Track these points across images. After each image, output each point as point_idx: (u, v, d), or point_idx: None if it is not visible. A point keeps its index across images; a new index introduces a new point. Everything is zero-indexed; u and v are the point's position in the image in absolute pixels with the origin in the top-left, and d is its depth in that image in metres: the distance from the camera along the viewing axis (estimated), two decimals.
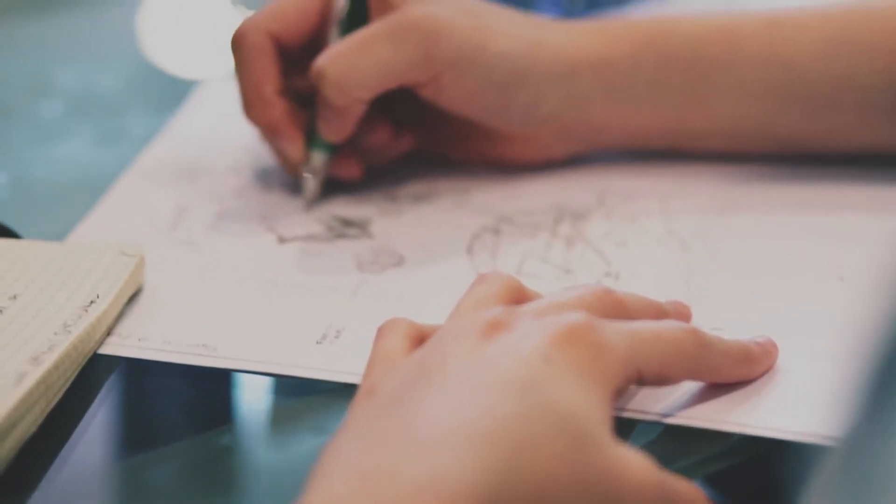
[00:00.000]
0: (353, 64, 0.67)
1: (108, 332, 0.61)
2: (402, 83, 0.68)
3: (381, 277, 0.65)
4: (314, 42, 0.70)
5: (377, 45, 0.67)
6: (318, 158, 0.70)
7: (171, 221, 0.69)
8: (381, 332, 0.54)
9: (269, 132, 0.70)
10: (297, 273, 0.65)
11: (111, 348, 0.60)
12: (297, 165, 0.70)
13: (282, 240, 0.68)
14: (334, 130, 0.69)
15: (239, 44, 0.70)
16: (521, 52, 0.69)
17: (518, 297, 0.55)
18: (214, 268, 0.66)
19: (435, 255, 0.67)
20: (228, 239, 0.68)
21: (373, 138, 0.72)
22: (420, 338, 0.54)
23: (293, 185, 0.72)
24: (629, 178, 0.72)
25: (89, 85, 0.89)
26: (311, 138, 0.70)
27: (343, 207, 0.71)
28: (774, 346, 0.56)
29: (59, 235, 0.68)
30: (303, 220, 0.70)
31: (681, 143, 0.73)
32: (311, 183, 0.70)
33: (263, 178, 0.73)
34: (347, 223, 0.70)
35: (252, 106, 0.70)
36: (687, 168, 0.73)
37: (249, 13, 0.71)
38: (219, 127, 0.79)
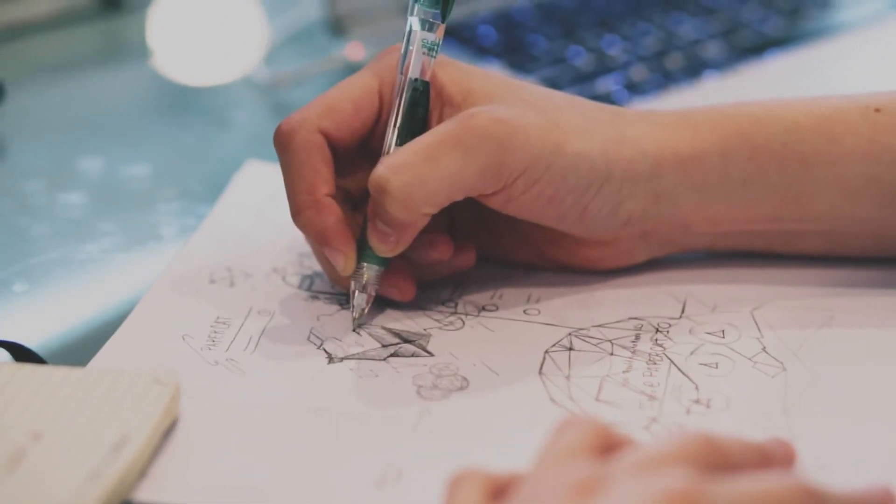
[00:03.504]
0: (420, 177, 0.60)
1: (142, 473, 0.55)
2: (472, 195, 0.62)
3: (443, 405, 0.59)
4: (366, 139, 0.64)
5: (446, 157, 0.60)
6: (370, 273, 0.63)
7: (209, 338, 0.63)
8: (453, 487, 0.49)
9: (320, 241, 0.63)
10: (350, 401, 0.59)
11: (145, 494, 0.54)
12: (347, 279, 0.64)
13: (331, 359, 0.62)
14: (390, 247, 0.62)
15: (287, 141, 0.63)
16: (599, 150, 0.62)
17: (607, 445, 0.49)
18: (258, 394, 0.59)
19: (503, 378, 0.60)
20: (272, 359, 0.62)
21: (431, 254, 0.65)
22: (497, 491, 0.48)
23: (341, 292, 0.66)
24: (714, 283, 0.66)
25: None
26: (361, 250, 0.63)
27: (397, 320, 0.64)
28: (890, 495, 0.50)
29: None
30: (353, 335, 0.63)
31: (774, 245, 0.66)
32: (360, 300, 0.63)
33: (309, 284, 0.67)
34: (403, 338, 0.63)
35: (302, 211, 0.63)
36: (779, 271, 0.66)
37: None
38: (259, 222, 0.72)
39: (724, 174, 0.64)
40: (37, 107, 0.93)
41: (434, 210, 0.61)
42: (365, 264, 0.63)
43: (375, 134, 0.64)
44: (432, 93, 0.63)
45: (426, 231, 0.63)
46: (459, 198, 0.61)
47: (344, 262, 0.63)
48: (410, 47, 0.63)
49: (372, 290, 0.63)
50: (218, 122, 0.94)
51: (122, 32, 1.07)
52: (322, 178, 0.63)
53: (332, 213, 0.62)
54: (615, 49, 0.96)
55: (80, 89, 0.97)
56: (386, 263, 0.63)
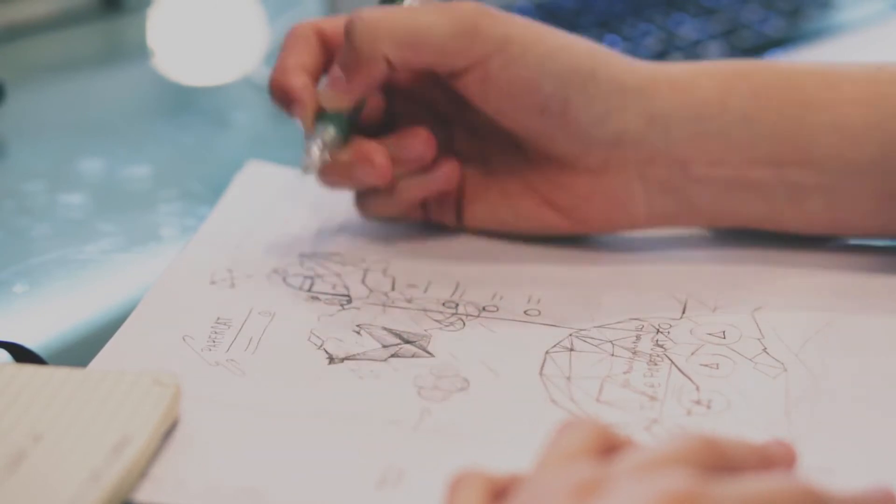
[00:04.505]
0: (391, 14, 0.62)
1: (142, 474, 0.54)
2: (440, 58, 0.63)
3: (444, 405, 0.59)
4: None
5: (423, 11, 0.63)
6: (329, 133, 0.65)
7: (209, 338, 0.63)
8: (453, 488, 0.48)
9: (281, 99, 0.65)
10: (351, 402, 0.59)
11: (145, 494, 0.54)
12: (309, 131, 0.65)
13: (332, 360, 0.62)
14: (343, 87, 0.64)
15: (286, 36, 0.67)
16: (585, 51, 0.63)
17: (607, 446, 0.49)
18: (258, 395, 0.59)
19: (503, 379, 0.60)
20: (273, 360, 0.62)
21: (409, 143, 0.66)
22: (497, 492, 0.48)
23: (342, 293, 0.66)
24: (715, 284, 0.66)
25: None
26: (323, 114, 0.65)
27: (397, 320, 0.64)
28: (892, 496, 0.50)
29: None
30: (354, 337, 0.63)
31: (777, 206, 0.65)
32: (315, 150, 0.64)
33: (309, 285, 0.67)
34: (403, 339, 0.63)
35: (274, 76, 0.66)
36: (779, 271, 0.66)
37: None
38: (260, 223, 0.72)
39: (723, 107, 0.64)
40: (37, 107, 0.93)
41: (395, 53, 0.62)
42: (326, 125, 0.65)
43: None
44: None
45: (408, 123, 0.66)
46: (426, 56, 0.63)
47: (300, 112, 0.65)
48: None
49: (326, 152, 0.65)
50: (218, 123, 0.93)
51: (122, 32, 1.07)
52: (299, 55, 0.66)
53: (297, 79, 0.65)
54: (616, 49, 0.95)
55: (80, 89, 0.97)
56: (344, 130, 0.65)
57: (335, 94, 0.64)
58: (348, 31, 0.63)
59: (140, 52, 1.03)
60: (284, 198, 0.74)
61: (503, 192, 0.68)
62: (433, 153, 0.66)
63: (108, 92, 0.97)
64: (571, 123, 0.63)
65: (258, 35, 1.03)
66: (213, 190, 0.76)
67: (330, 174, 0.66)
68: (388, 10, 0.63)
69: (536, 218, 0.68)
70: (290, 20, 1.02)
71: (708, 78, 0.64)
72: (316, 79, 0.66)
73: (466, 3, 0.63)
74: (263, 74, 0.95)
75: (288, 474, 0.55)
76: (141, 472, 0.54)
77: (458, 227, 0.70)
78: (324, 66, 0.67)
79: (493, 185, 0.68)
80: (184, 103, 0.99)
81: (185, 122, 0.93)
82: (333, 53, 0.66)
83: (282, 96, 0.66)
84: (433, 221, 0.70)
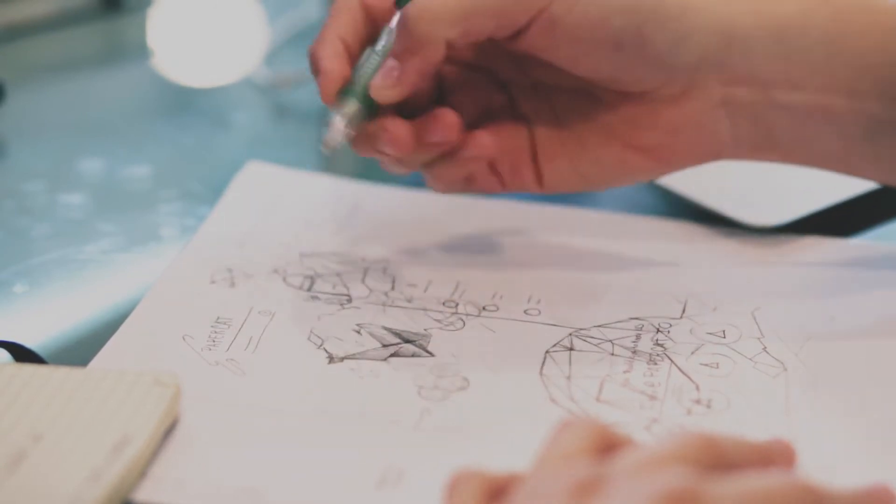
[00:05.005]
0: None
1: (142, 474, 0.54)
2: (500, 20, 0.60)
3: (444, 405, 0.59)
4: None
5: None
6: (353, 106, 0.61)
7: (209, 338, 0.63)
8: (452, 488, 0.48)
9: (312, 68, 0.63)
10: (351, 401, 0.59)
11: (145, 493, 0.54)
12: (328, 102, 0.62)
13: (332, 359, 0.62)
14: (392, 81, 0.61)
15: (332, 5, 0.64)
16: None
17: (606, 445, 0.49)
18: (258, 395, 0.59)
19: (503, 378, 0.60)
20: (273, 359, 0.62)
21: (431, 127, 0.62)
22: (496, 491, 0.48)
23: (341, 292, 0.66)
24: (715, 283, 0.66)
25: None
26: (350, 86, 0.62)
27: (397, 319, 0.64)
28: (891, 495, 0.50)
29: None
30: (353, 335, 0.63)
31: (853, 145, 0.62)
32: (338, 124, 0.61)
33: (309, 284, 0.67)
34: (403, 338, 0.63)
35: (312, 45, 0.63)
36: (779, 271, 0.66)
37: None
38: (259, 223, 0.72)
39: (803, 30, 0.61)
40: (37, 107, 0.93)
41: (453, 31, 0.60)
42: (351, 98, 0.62)
43: None
44: None
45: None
46: (486, 24, 0.60)
47: (326, 82, 0.62)
48: None
49: (351, 128, 0.62)
50: (218, 123, 0.93)
51: (122, 32, 1.07)
52: (340, 23, 0.63)
53: (329, 45, 0.62)
54: None
55: (80, 89, 0.97)
56: (369, 105, 0.62)
57: (389, 85, 0.61)
58: (404, 19, 0.60)
59: (140, 52, 1.03)
60: (284, 197, 0.74)
61: (581, 145, 0.64)
62: (454, 136, 0.63)
63: (108, 92, 0.97)
64: (649, 52, 0.60)
65: (258, 35, 1.03)
66: (213, 190, 0.76)
67: (355, 143, 0.64)
68: None
69: (621, 164, 0.64)
70: (290, 20, 1.02)
71: (790, 1, 0.62)
72: (354, 51, 0.63)
73: None
74: (263, 75, 0.95)
75: (288, 474, 0.54)
76: (141, 472, 0.54)
77: (539, 192, 0.66)
78: (367, 39, 0.64)
79: (569, 140, 0.65)
80: (184, 103, 0.99)
81: (185, 123, 0.93)
82: (378, 25, 0.63)
83: (313, 65, 0.63)
84: (512, 190, 0.66)
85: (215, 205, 0.74)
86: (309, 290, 0.67)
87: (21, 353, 0.62)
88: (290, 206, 0.74)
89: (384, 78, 0.61)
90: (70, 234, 0.77)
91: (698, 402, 0.58)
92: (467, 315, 0.65)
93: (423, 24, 0.59)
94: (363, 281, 0.67)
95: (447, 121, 0.63)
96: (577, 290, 0.66)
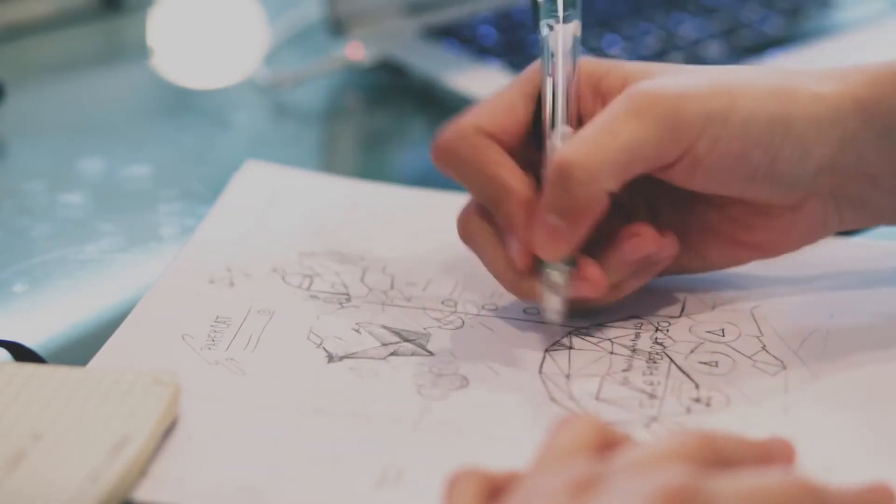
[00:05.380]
0: (600, 146, 0.58)
1: (142, 473, 0.54)
2: (653, 165, 0.60)
3: (443, 404, 0.59)
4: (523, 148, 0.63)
5: (621, 127, 0.58)
6: (555, 272, 0.60)
7: (208, 337, 0.63)
8: (451, 486, 0.49)
9: (510, 225, 0.61)
10: (350, 400, 0.59)
11: (145, 493, 0.54)
12: (520, 277, 0.61)
13: (331, 358, 0.62)
14: (560, 243, 0.59)
15: (453, 148, 0.61)
16: (772, 99, 0.60)
17: (605, 443, 0.49)
18: (257, 394, 0.59)
19: (503, 377, 0.60)
20: (272, 359, 0.62)
21: (636, 246, 0.62)
22: (494, 490, 0.48)
23: (340, 291, 0.66)
24: (714, 281, 0.66)
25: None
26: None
27: (396, 318, 0.64)
28: (890, 493, 0.50)
29: None
30: (353, 335, 0.63)
31: None
32: (553, 302, 0.60)
33: (308, 283, 0.67)
34: (402, 337, 0.63)
35: (496, 203, 0.61)
36: (778, 269, 0.66)
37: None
38: (258, 222, 0.72)
39: None
40: (37, 107, 0.93)
41: (616, 183, 0.59)
42: (548, 267, 0.60)
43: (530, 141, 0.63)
44: (587, 90, 0.62)
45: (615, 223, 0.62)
46: (641, 169, 0.59)
47: (521, 254, 0.61)
48: (551, 53, 0.62)
49: (564, 291, 0.60)
50: (218, 123, 0.94)
51: (122, 32, 1.07)
52: (507, 165, 0.61)
53: (525, 191, 0.61)
54: (616, 49, 0.96)
55: (80, 89, 0.97)
56: (574, 262, 0.60)
57: (559, 246, 0.60)
58: (563, 179, 0.58)
59: (140, 52, 1.03)
60: (283, 196, 0.74)
61: (684, 243, 0.64)
62: (659, 246, 0.62)
63: (108, 92, 0.97)
64: (777, 175, 0.61)
65: (258, 35, 1.03)
66: (213, 190, 0.76)
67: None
68: (590, 140, 0.59)
69: (727, 259, 0.65)
70: (290, 20, 1.02)
71: (888, 87, 0.62)
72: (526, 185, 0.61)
73: (649, 92, 0.59)
74: (263, 74, 0.95)
75: (287, 473, 0.55)
76: (140, 471, 0.54)
77: None
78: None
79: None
80: (184, 103, 0.99)
81: (185, 123, 0.93)
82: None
83: (513, 221, 0.61)
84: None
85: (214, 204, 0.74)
86: (308, 289, 0.67)
87: (21, 353, 0.62)
88: (289, 205, 0.74)
89: (552, 240, 0.60)
90: (70, 234, 0.77)
91: (697, 400, 0.58)
92: (466, 314, 0.65)
93: (588, 185, 0.58)
94: (362, 280, 0.67)
95: (648, 234, 0.62)
96: None
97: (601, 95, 0.62)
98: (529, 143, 0.62)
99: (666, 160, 0.60)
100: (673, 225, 0.63)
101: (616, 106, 0.59)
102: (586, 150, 0.58)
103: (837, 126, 0.61)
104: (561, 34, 0.62)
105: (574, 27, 0.62)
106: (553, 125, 0.61)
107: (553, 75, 0.62)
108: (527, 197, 0.61)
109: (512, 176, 0.61)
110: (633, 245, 0.62)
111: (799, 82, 0.61)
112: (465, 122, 0.62)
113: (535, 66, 0.63)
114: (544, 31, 0.62)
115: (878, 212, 0.64)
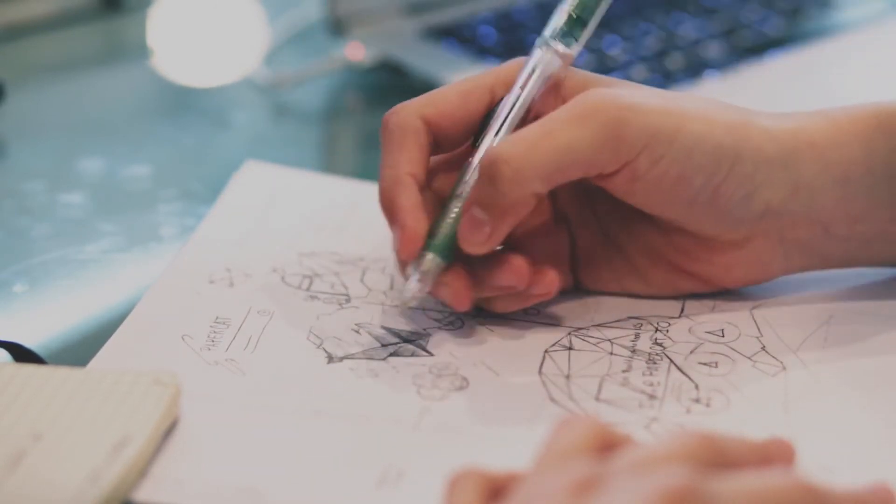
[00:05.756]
0: (534, 146, 0.58)
1: (142, 474, 0.54)
2: (588, 171, 0.59)
3: (443, 404, 0.59)
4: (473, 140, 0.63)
5: (560, 129, 0.58)
6: (431, 264, 0.60)
7: (208, 338, 0.63)
8: (452, 487, 0.49)
9: (388, 215, 0.62)
10: (350, 400, 0.59)
11: (145, 493, 0.54)
12: (405, 260, 0.61)
13: (331, 358, 0.62)
14: (482, 238, 0.59)
15: (386, 123, 0.63)
16: (724, 130, 0.60)
17: (606, 444, 0.49)
18: (258, 395, 0.59)
19: (503, 377, 0.60)
20: (272, 359, 0.62)
21: (498, 274, 0.61)
22: (495, 490, 0.48)
23: (341, 291, 0.66)
24: None
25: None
26: (430, 238, 0.61)
27: (396, 318, 0.64)
28: (890, 493, 0.50)
29: None
30: (352, 335, 0.63)
31: None
32: (414, 284, 0.61)
33: (308, 284, 0.67)
34: (402, 338, 0.63)
35: (382, 188, 0.62)
36: None
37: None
38: (258, 223, 0.72)
39: (869, 170, 0.61)
40: (37, 107, 0.93)
41: (543, 186, 0.59)
42: (429, 253, 0.61)
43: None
44: (548, 90, 0.62)
45: (505, 250, 0.61)
46: (576, 175, 0.59)
47: (402, 240, 0.61)
48: (533, 71, 0.62)
49: (428, 283, 0.61)
50: (218, 123, 0.94)
51: (122, 32, 1.07)
52: (407, 158, 0.62)
53: (407, 193, 0.61)
54: (616, 49, 0.96)
55: (80, 89, 0.97)
56: (449, 258, 0.61)
57: (481, 242, 0.60)
58: (492, 176, 0.59)
59: (140, 52, 1.03)
60: (283, 197, 0.74)
61: (629, 263, 0.65)
62: (525, 283, 0.61)
63: (108, 92, 0.97)
64: (720, 207, 0.61)
65: (258, 35, 1.03)
66: (213, 190, 0.76)
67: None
68: (527, 139, 0.59)
69: (668, 285, 0.65)
70: (290, 20, 1.02)
71: (849, 136, 0.62)
72: (422, 182, 0.62)
73: (598, 100, 0.59)
74: (263, 74, 0.95)
75: (287, 473, 0.55)
76: (141, 472, 0.54)
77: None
78: (429, 158, 0.63)
79: (616, 255, 0.65)
80: (184, 103, 0.99)
81: (185, 122, 0.93)
82: (440, 143, 0.63)
83: (389, 211, 0.62)
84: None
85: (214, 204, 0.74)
86: (308, 289, 0.67)
87: (21, 353, 0.62)
88: (289, 205, 0.74)
89: (474, 233, 0.60)
90: (70, 234, 0.77)
91: (697, 400, 0.59)
92: (466, 314, 0.65)
93: (516, 184, 0.59)
94: (362, 280, 0.67)
95: (516, 265, 0.61)
96: (576, 289, 0.66)
97: (561, 98, 0.62)
98: (469, 132, 0.63)
99: (604, 169, 0.59)
100: (620, 243, 0.64)
101: (562, 109, 0.59)
102: (520, 149, 0.59)
103: (789, 169, 0.61)
104: (551, 59, 0.62)
105: (567, 57, 0.62)
106: (497, 132, 0.61)
107: (523, 89, 0.62)
108: (414, 194, 0.61)
109: (410, 168, 0.61)
110: (500, 272, 0.61)
111: (754, 119, 0.61)
112: (411, 104, 0.63)
113: (514, 63, 0.63)
114: (540, 47, 0.62)
115: (827, 259, 0.64)
